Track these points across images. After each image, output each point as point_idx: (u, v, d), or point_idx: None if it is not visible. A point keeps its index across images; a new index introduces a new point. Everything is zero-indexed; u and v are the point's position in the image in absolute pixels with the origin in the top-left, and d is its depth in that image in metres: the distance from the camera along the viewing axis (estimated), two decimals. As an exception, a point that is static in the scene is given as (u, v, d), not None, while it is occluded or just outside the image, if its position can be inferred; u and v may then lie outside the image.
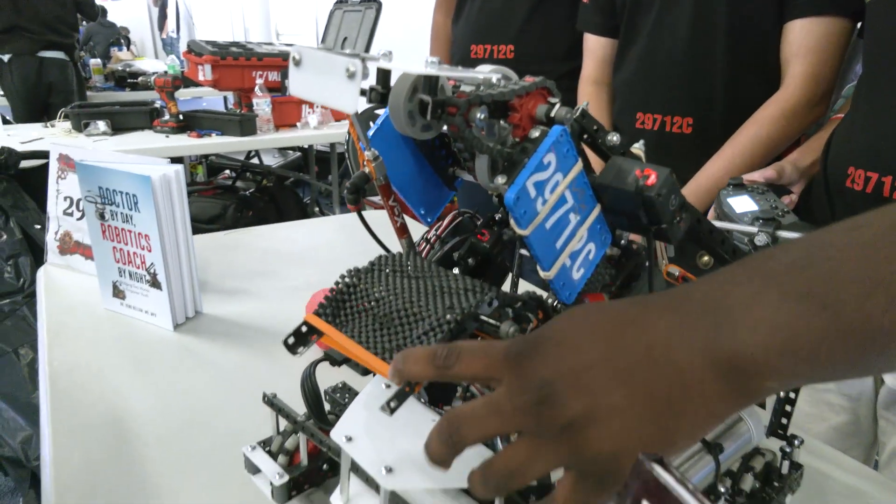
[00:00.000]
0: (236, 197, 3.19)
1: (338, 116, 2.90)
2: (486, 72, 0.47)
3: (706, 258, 0.63)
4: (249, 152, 3.71)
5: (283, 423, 0.70)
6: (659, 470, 0.30)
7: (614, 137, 0.49)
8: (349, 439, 0.54)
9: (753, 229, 0.60)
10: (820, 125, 1.13)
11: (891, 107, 0.84)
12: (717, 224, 0.60)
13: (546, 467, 0.37)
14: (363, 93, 0.50)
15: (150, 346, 1.01)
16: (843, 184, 0.90)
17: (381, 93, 0.46)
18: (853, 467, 0.78)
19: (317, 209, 3.60)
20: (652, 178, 0.45)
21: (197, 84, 2.97)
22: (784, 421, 0.66)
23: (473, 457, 0.53)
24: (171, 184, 1.02)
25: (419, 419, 0.58)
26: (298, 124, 2.83)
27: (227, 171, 4.00)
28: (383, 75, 0.46)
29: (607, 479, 0.35)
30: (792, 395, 0.66)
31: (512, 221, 0.45)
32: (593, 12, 1.35)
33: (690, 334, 0.34)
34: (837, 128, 0.96)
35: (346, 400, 0.71)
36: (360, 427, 0.56)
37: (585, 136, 0.50)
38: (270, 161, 3.88)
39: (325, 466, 0.68)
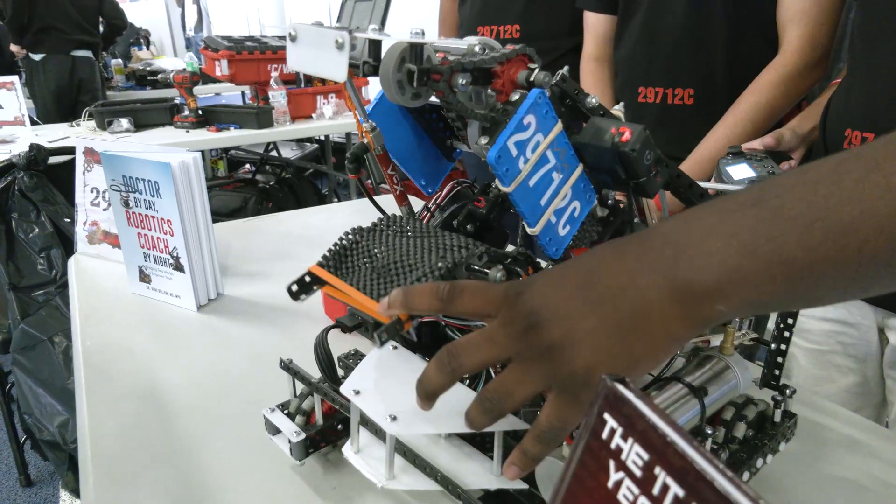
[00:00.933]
0: (256, 189, 3.25)
1: (353, 106, 2.94)
2: (469, 41, 0.50)
3: None
4: (268, 145, 3.78)
5: (300, 388, 0.74)
6: (620, 387, 0.33)
7: (593, 100, 0.52)
8: (357, 392, 0.58)
9: (739, 187, 0.62)
10: (821, 89, 1.14)
11: (884, 67, 0.86)
12: (707, 185, 0.62)
13: (532, 388, 0.41)
14: (357, 67, 0.54)
15: (175, 326, 1.06)
16: (840, 146, 0.91)
17: (372, 65, 0.49)
18: (851, 419, 0.80)
19: (335, 199, 3.66)
20: (626, 135, 0.48)
21: (215, 79, 3.03)
22: (776, 372, 0.69)
23: (467, 403, 0.57)
24: (190, 170, 1.07)
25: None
26: (314, 115, 2.88)
27: (247, 165, 4.07)
28: (374, 48, 0.49)
29: (582, 394, 0.39)
30: (783, 346, 0.69)
31: (496, 180, 0.49)
32: (593, -10, 1.37)
33: (652, 265, 0.38)
34: (835, 92, 0.97)
35: (357, 364, 0.75)
36: (368, 382, 0.60)
37: (567, 100, 0.53)
38: (289, 153, 3.94)
39: (339, 426, 0.72)
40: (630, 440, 0.31)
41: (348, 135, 3.03)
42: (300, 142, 4.04)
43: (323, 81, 2.94)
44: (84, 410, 0.84)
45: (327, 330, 0.72)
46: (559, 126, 0.50)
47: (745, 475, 0.62)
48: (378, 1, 3.05)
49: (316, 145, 3.82)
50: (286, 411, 0.73)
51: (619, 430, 0.32)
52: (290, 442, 0.69)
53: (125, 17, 4.39)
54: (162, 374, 0.91)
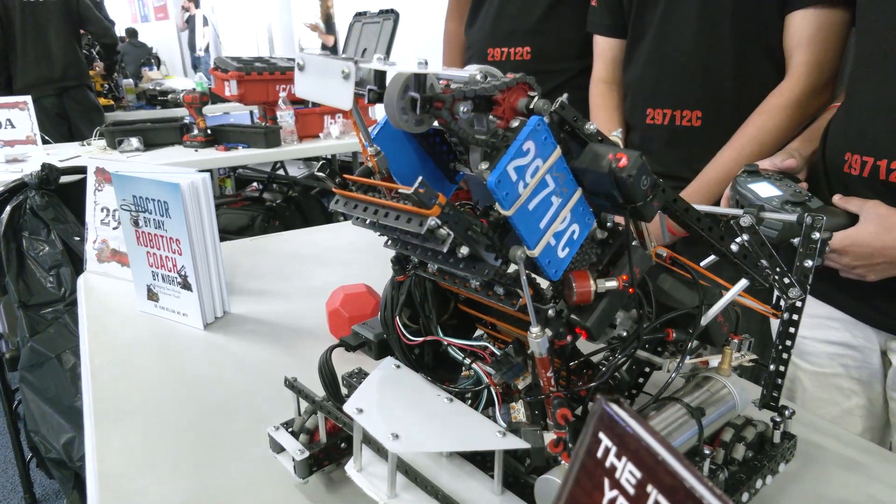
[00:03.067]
0: (263, 208, 3.28)
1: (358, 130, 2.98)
2: (470, 70, 0.51)
3: None
4: (275, 164, 3.82)
5: (304, 406, 0.75)
6: (614, 407, 0.34)
7: (591, 126, 0.54)
8: (360, 411, 0.59)
9: (739, 211, 0.63)
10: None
11: (883, 93, 0.87)
12: (704, 208, 0.63)
13: None
14: (362, 94, 0.55)
15: (182, 344, 1.08)
16: (841, 169, 0.92)
17: (377, 92, 0.51)
18: (852, 440, 0.80)
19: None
20: (623, 161, 0.50)
21: (224, 99, 3.07)
22: (775, 393, 0.70)
23: (471, 425, 0.58)
24: (199, 190, 1.09)
25: (424, 395, 0.63)
26: (321, 135, 2.91)
27: (255, 184, 4.11)
28: (379, 76, 0.51)
29: None
30: (782, 368, 0.69)
31: (496, 203, 0.50)
32: (602, 14, 1.39)
33: None
34: (834, 116, 0.98)
35: (360, 383, 0.76)
36: (371, 401, 0.61)
37: (566, 126, 0.54)
38: (296, 172, 3.98)
39: (342, 444, 0.73)
40: (624, 459, 0.32)
41: (355, 154, 3.06)
42: (307, 161, 4.08)
43: (330, 102, 2.99)
44: (91, 428, 0.85)
45: (332, 349, 0.73)
46: (558, 151, 0.52)
47: (745, 496, 0.63)
48: (385, 24, 3.09)
49: (323, 163, 3.86)
50: (290, 429, 0.73)
51: (614, 450, 0.33)
52: (293, 460, 0.70)
53: (114, 34, 4.36)
54: (168, 392, 0.93)
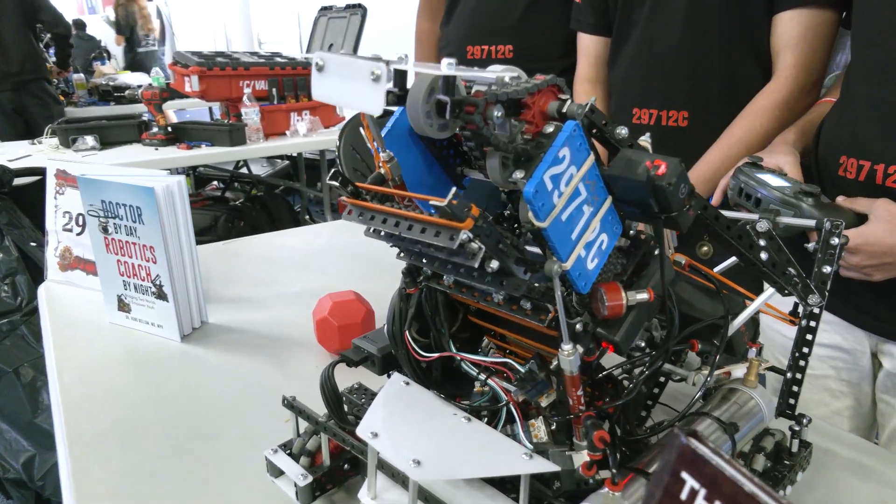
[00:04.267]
0: (227, 207, 3.18)
1: (327, 123, 2.91)
2: (498, 71, 0.48)
3: (705, 248, 0.65)
4: (238, 162, 3.71)
5: (302, 427, 0.71)
6: (697, 444, 0.31)
7: (623, 131, 0.51)
8: (375, 435, 0.55)
9: (755, 216, 0.62)
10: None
11: (879, 96, 0.87)
12: (732, 214, 0.61)
13: None
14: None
15: (158, 358, 1.01)
16: (835, 172, 0.92)
17: (397, 94, 0.47)
18: (855, 443, 0.80)
19: (307, 216, 3.60)
20: (662, 168, 0.47)
21: (184, 95, 2.96)
22: (791, 401, 0.68)
23: (495, 447, 0.55)
24: (175, 194, 1.03)
25: (440, 414, 0.60)
26: (287, 132, 2.83)
27: (215, 182, 3.99)
28: (399, 77, 0.47)
29: None
30: (798, 375, 0.68)
31: (530, 214, 0.47)
32: (586, 12, 1.37)
33: None
34: (826, 117, 0.98)
35: (363, 400, 0.72)
36: (385, 423, 0.57)
37: (595, 131, 0.51)
38: (259, 170, 3.88)
39: (346, 466, 0.69)
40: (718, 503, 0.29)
41: (322, 152, 2.99)
42: (270, 158, 3.98)
43: (339, 108, 2.90)
44: (65, 453, 0.79)
45: (334, 365, 0.69)
46: (591, 158, 0.49)
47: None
48: (352, 19, 3.10)
49: (287, 161, 3.76)
50: (289, 451, 0.69)
51: (703, 492, 0.30)
52: (295, 485, 0.65)
53: (67, 23, 4.16)
54: (148, 411, 0.87)
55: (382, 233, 0.54)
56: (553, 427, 0.58)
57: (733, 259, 0.71)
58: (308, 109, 2.87)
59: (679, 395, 0.80)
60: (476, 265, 0.47)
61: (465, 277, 0.53)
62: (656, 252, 0.59)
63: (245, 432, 0.82)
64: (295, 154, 3.24)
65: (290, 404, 0.68)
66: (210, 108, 4.80)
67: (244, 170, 3.74)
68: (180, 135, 2.71)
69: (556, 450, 0.54)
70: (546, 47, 1.55)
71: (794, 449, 0.67)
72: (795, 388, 0.69)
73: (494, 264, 0.48)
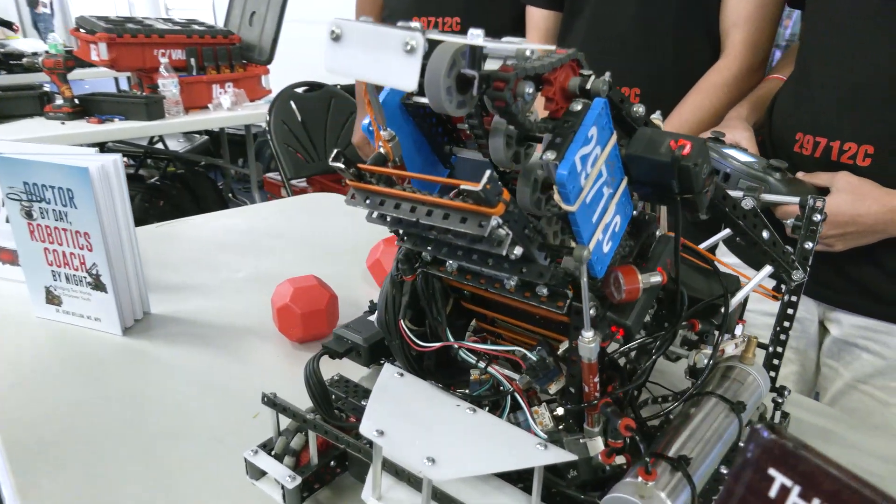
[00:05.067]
0: (143, 186, 2.98)
1: (252, 96, 2.76)
2: (515, 42, 0.45)
3: None
4: (152, 138, 3.48)
5: (283, 424, 0.66)
6: (789, 443, 0.30)
7: (640, 109, 0.49)
8: (381, 433, 0.52)
9: (738, 194, 0.62)
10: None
11: (835, 74, 0.90)
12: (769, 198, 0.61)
13: None
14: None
15: (98, 355, 0.93)
16: (791, 149, 0.95)
17: (410, 68, 0.43)
18: (819, 409, 0.84)
19: (230, 195, 3.44)
20: (687, 148, 0.46)
21: (90, 64, 2.73)
22: (772, 374, 0.70)
23: (507, 438, 0.53)
24: (111, 175, 0.93)
25: (444, 407, 0.57)
26: (210, 105, 2.67)
27: (126, 160, 3.72)
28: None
29: None
30: (780, 349, 0.70)
31: (557, 197, 0.44)
32: (535, -16, 1.35)
33: None
34: (781, 95, 1.01)
35: (347, 393, 0.69)
36: (389, 420, 0.54)
37: (611, 108, 0.49)
38: (176, 146, 3.65)
39: (332, 463, 0.65)
40: (816, 501, 0.28)
41: (248, 127, 2.84)
42: (188, 134, 3.75)
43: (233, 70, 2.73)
44: (5, 469, 0.70)
45: (318, 357, 0.64)
46: (615, 137, 0.47)
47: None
48: None
49: (206, 137, 3.56)
50: (272, 452, 0.64)
51: (797, 490, 0.29)
52: (283, 488, 0.61)
53: None
54: (95, 415, 0.79)
55: (388, 218, 0.50)
56: (555, 413, 0.57)
57: (716, 237, 0.72)
58: (231, 81, 2.71)
59: (659, 374, 0.81)
60: (504, 252, 0.44)
61: (477, 264, 0.50)
62: (658, 232, 0.58)
63: (210, 432, 0.76)
64: (217, 129, 3.05)
65: (272, 402, 0.64)
66: (116, 80, 4.46)
67: (159, 145, 3.50)
68: (89, 107, 2.49)
69: (570, 438, 0.52)
70: (495, 21, 1.52)
71: (777, 420, 0.69)
72: (776, 362, 0.71)
73: (518, 251, 0.45)
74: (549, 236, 0.47)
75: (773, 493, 0.30)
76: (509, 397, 0.57)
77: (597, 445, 0.52)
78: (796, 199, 0.65)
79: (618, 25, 1.21)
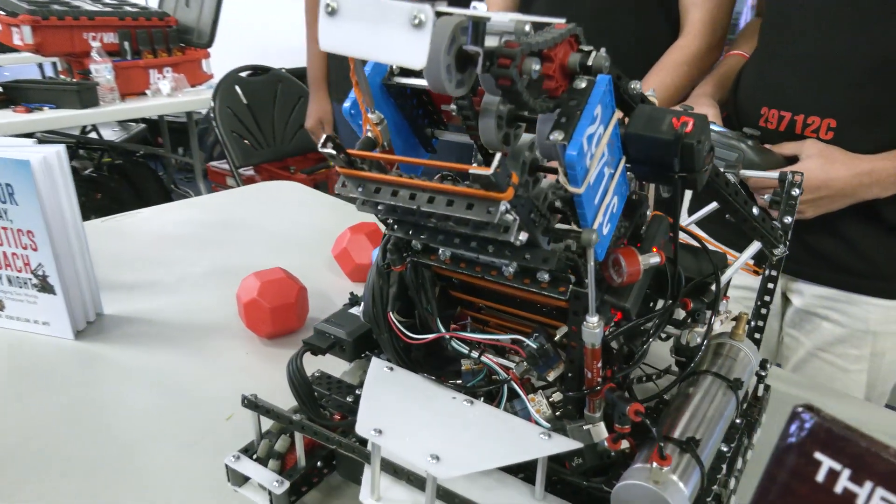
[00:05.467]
0: (77, 178, 2.82)
1: (193, 81, 2.64)
2: (512, 16, 0.42)
3: None
4: (84, 127, 3.29)
5: (265, 424, 0.63)
6: (834, 426, 0.29)
7: (637, 85, 0.48)
8: (379, 432, 0.49)
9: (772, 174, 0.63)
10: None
11: (798, 48, 0.91)
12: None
13: None
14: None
15: (49, 361, 0.86)
16: (756, 123, 0.96)
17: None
18: (785, 376, 0.86)
19: (172, 186, 3.29)
20: (690, 125, 0.44)
21: (13, 50, 2.55)
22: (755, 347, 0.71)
23: (509, 430, 0.51)
24: (54, 168, 0.86)
25: (440, 400, 0.55)
26: (148, 92, 2.54)
27: (57, 150, 3.51)
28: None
29: None
30: (761, 323, 0.71)
31: (563, 179, 0.43)
32: (491, -39, 1.32)
33: None
34: (745, 70, 1.02)
35: (330, 390, 0.66)
36: (385, 417, 0.52)
37: (607, 86, 0.47)
38: (111, 136, 3.46)
39: (319, 464, 0.62)
40: (869, 484, 0.28)
41: (189, 114, 2.71)
42: (123, 122, 3.56)
43: (169, 52, 2.59)
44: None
45: (301, 355, 0.61)
46: (617, 115, 0.45)
47: (749, 453, 0.64)
48: None
49: (143, 125, 3.39)
50: (254, 456, 0.61)
51: (847, 473, 0.28)
52: (270, 494, 0.58)
53: None
54: (52, 427, 0.73)
55: (381, 206, 0.47)
56: (551, 400, 0.55)
57: (698, 215, 0.72)
58: (170, 66, 2.58)
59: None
60: (512, 239, 0.42)
61: (475, 252, 0.48)
62: (649, 213, 0.58)
63: (180, 438, 0.72)
64: (156, 117, 2.91)
65: (254, 404, 0.60)
66: (41, 66, 4.20)
67: (93, 135, 3.32)
68: (15, 95, 2.33)
69: (574, 426, 0.51)
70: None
71: (760, 393, 0.70)
72: (758, 336, 0.72)
73: (523, 236, 0.43)
74: (551, 220, 0.45)
75: (820, 477, 0.29)
76: (505, 387, 0.56)
77: (600, 431, 0.51)
78: (776, 175, 0.66)
79: (578, 7, 1.20)
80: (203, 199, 1.53)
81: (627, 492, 0.44)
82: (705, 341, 0.56)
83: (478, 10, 0.38)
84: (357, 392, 0.65)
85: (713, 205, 0.65)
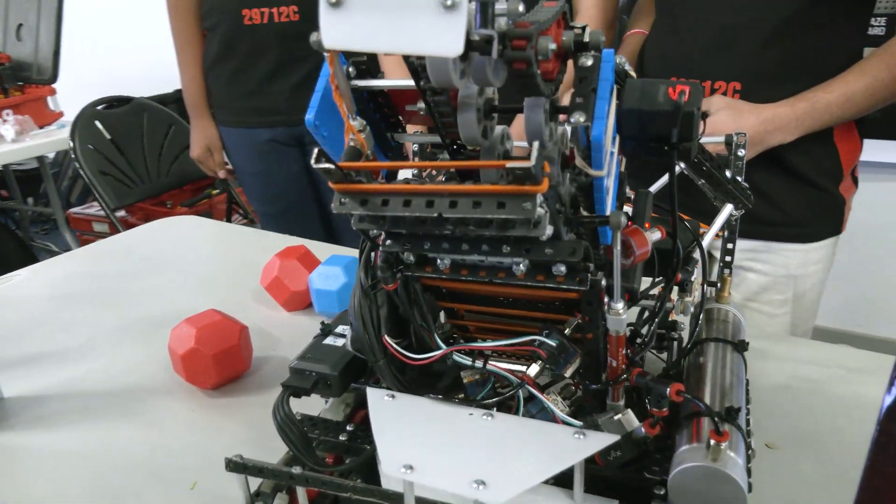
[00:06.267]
0: None
1: (41, 122, 2.36)
2: (504, -1, 0.39)
3: None
4: None
5: (253, 487, 0.56)
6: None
7: (622, 59, 0.47)
8: (410, 468, 0.45)
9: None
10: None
11: (702, 19, 0.97)
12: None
13: None
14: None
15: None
16: (665, 93, 1.01)
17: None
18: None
19: (32, 241, 2.94)
20: (687, 94, 0.44)
21: None
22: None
23: (541, 438, 0.49)
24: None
25: (455, 419, 0.51)
26: (-13, 140, 2.24)
27: None
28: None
29: None
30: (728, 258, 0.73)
31: (581, 162, 0.40)
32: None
33: None
34: (648, 44, 1.06)
35: (318, 432, 0.59)
36: (408, 450, 0.47)
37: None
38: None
39: (323, 516, 0.56)
40: None
41: (41, 159, 2.42)
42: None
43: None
44: None
45: (286, 399, 0.55)
46: (615, 90, 0.44)
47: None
48: None
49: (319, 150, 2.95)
50: (250, 525, 0.54)
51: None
52: (282, 564, 0.51)
53: None
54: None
55: (382, 219, 0.42)
56: (567, 396, 0.53)
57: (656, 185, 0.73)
58: (11, 108, 2.30)
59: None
60: (545, 235, 0.39)
61: (487, 254, 0.45)
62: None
63: (144, 522, 0.62)
64: (1, 166, 2.58)
65: (242, 465, 0.53)
66: None
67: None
68: None
69: (605, 418, 0.49)
70: None
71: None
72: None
73: (549, 230, 0.40)
74: (568, 209, 0.43)
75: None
76: (520, 392, 0.53)
77: (631, 419, 0.49)
78: (722, 138, 0.68)
79: None
80: (89, 248, 1.36)
81: (688, 475, 0.43)
82: (702, 310, 0.56)
83: (483, -16, 0.34)
84: (348, 428, 0.59)
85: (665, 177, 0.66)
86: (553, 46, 0.36)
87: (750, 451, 0.51)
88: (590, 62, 0.40)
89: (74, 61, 2.48)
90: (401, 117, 0.56)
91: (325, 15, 0.31)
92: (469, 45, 0.36)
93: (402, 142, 0.57)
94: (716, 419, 0.42)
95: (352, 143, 0.43)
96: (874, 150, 1.96)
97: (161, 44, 1.76)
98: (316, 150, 0.38)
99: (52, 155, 3.05)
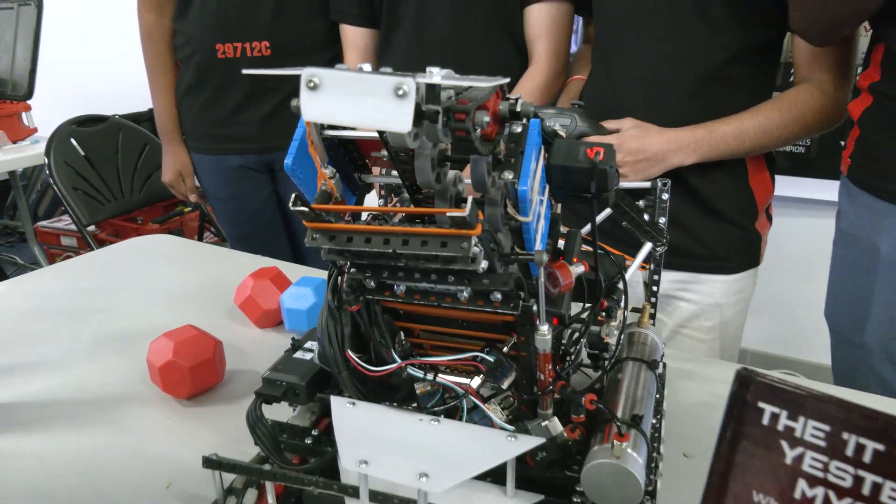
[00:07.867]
0: None
1: (14, 137, 2.39)
2: (442, 72, 0.48)
3: None
4: None
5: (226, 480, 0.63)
6: (771, 380, 0.38)
7: (554, 124, 0.56)
8: (365, 463, 0.53)
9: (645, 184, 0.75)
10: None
11: (633, 69, 1.08)
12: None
13: None
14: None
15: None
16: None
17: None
18: (669, 354, 1.00)
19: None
20: (602, 154, 0.53)
21: None
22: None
23: (480, 439, 0.57)
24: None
25: (408, 423, 0.60)
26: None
27: None
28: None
29: None
30: (652, 311, 0.82)
31: (512, 210, 0.49)
32: (347, 2, 1.38)
33: None
34: (585, 91, 1.19)
35: (285, 436, 0.67)
36: (365, 448, 0.55)
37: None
38: None
39: (289, 510, 0.63)
40: (802, 419, 0.37)
41: (13, 173, 2.44)
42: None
43: None
44: None
45: (259, 405, 0.62)
46: (542, 151, 0.53)
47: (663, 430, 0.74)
48: (23, 12, 2.65)
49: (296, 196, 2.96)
50: (223, 518, 0.61)
51: (785, 413, 0.37)
52: (252, 550, 0.58)
53: None
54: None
55: (344, 252, 0.51)
56: (507, 406, 0.62)
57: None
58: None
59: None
60: (480, 269, 0.47)
61: (434, 283, 0.53)
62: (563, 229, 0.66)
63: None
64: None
65: (217, 462, 0.60)
66: None
67: None
68: None
69: (534, 424, 0.58)
70: (307, 41, 1.52)
71: (660, 370, 0.81)
72: (652, 322, 0.83)
73: (485, 264, 0.49)
74: (504, 247, 0.51)
75: (765, 421, 0.38)
76: (464, 401, 0.61)
77: (557, 425, 0.58)
78: (647, 184, 0.78)
79: (436, 35, 1.29)
80: (67, 264, 1.41)
81: (595, 471, 0.52)
82: (624, 334, 0.65)
83: (433, 75, 0.43)
84: (314, 433, 0.66)
85: (604, 213, 0.76)
86: (487, 119, 0.45)
87: (656, 454, 0.60)
88: (519, 129, 0.49)
89: (50, 78, 2.52)
90: (367, 160, 0.65)
91: (305, 95, 0.39)
92: (420, 115, 0.45)
93: (368, 181, 0.65)
94: (618, 423, 0.51)
95: (323, 188, 0.52)
96: (788, 186, 2.12)
97: (136, 62, 1.82)
98: (294, 195, 0.47)
99: (20, 170, 3.06)
